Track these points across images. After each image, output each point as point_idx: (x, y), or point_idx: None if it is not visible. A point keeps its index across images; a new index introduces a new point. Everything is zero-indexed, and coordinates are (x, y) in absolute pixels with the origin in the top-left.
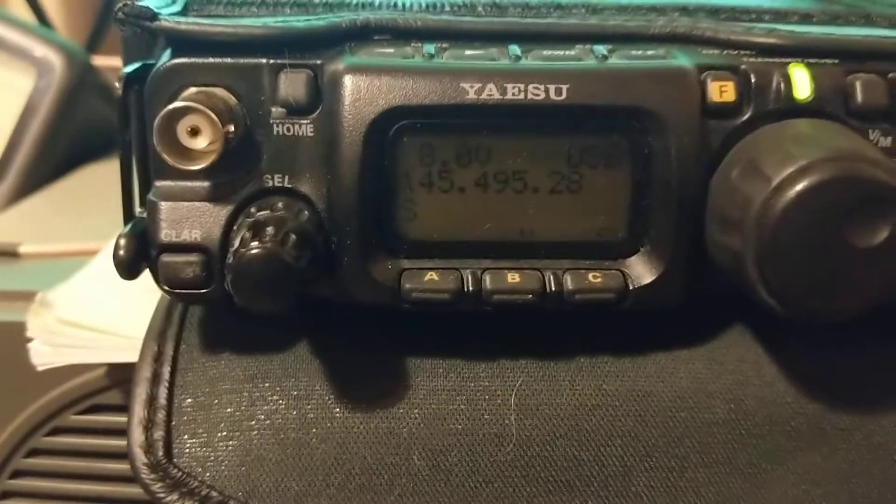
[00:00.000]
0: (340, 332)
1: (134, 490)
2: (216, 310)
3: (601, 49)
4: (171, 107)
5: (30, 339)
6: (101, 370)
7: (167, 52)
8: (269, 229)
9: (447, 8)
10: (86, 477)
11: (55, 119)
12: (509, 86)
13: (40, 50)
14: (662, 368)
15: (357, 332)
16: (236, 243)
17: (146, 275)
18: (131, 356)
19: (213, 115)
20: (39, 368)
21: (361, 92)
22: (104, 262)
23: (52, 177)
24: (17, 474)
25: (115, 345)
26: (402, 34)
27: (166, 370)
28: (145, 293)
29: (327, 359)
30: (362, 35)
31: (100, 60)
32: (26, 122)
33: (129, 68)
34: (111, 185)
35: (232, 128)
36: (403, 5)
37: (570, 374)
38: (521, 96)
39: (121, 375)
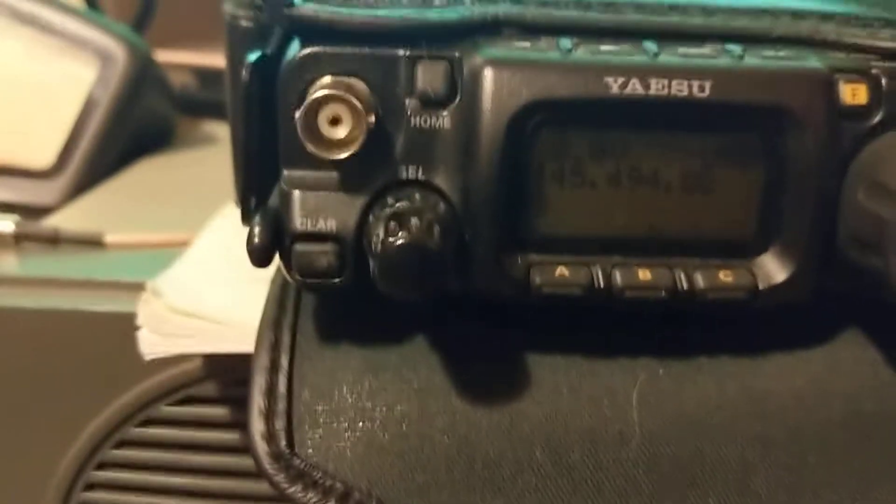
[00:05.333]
0: (456, 325)
1: (223, 483)
2: (332, 300)
3: (735, 48)
4: (318, 94)
5: (137, 328)
6: (197, 361)
7: (296, 42)
8: (414, 220)
9: (565, 2)
10: (175, 469)
11: (117, 112)
12: (653, 81)
13: (103, 41)
14: (781, 368)
15: (473, 324)
16: (380, 233)
17: (246, 263)
18: (240, 346)
19: (358, 105)
20: (147, 357)
21: (503, 85)
22: (202, 251)
23: (110, 170)
24: (103, 466)
25: (224, 334)
26: (529, 29)
27: (284, 359)
28: (248, 282)
29: (446, 351)
30: (491, 29)
31: None
32: (88, 114)
33: (253, 57)
34: (175, 178)
35: (373, 118)
36: None
37: (691, 372)
38: (665, 92)
39: (217, 366)
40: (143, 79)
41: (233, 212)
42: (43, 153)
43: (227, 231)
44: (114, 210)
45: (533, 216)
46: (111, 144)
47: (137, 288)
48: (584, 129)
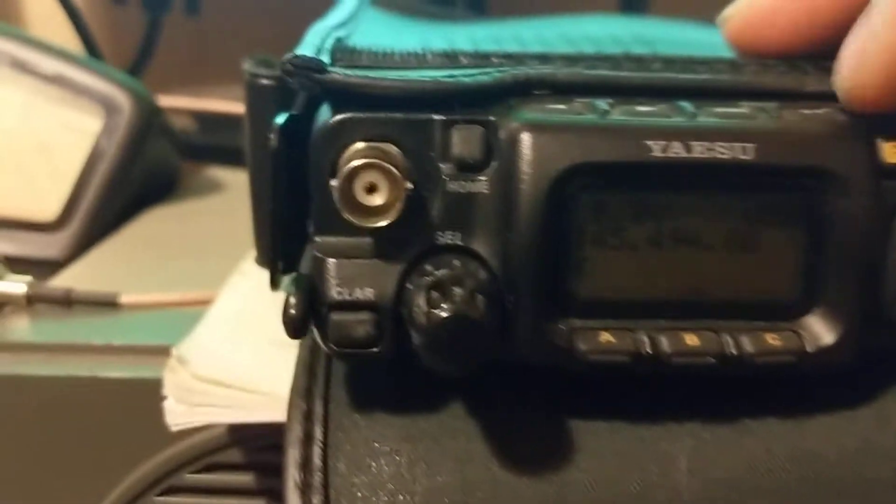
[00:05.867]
0: (496, 390)
1: None
2: (364, 366)
3: (771, 106)
4: (355, 163)
5: (160, 395)
6: (221, 427)
7: (326, 107)
8: (457, 290)
9: (591, 60)
10: None
11: (123, 163)
12: (695, 144)
13: (107, 90)
14: (828, 428)
15: (513, 389)
16: (422, 304)
17: (270, 326)
18: (271, 415)
19: (395, 172)
20: (174, 429)
21: (542, 149)
22: (224, 313)
23: (116, 222)
24: None
25: (254, 403)
26: (561, 89)
27: (318, 430)
28: (273, 345)
29: (486, 418)
30: (524, 90)
31: None
32: (93, 166)
33: (280, 120)
34: (184, 229)
35: (410, 184)
36: (546, 56)
37: (737, 436)
38: (708, 155)
39: (242, 432)
40: (148, 128)
41: (251, 268)
42: (47, 205)
43: (247, 290)
44: (125, 266)
45: (574, 280)
46: (117, 196)
47: (156, 352)
48: (625, 192)
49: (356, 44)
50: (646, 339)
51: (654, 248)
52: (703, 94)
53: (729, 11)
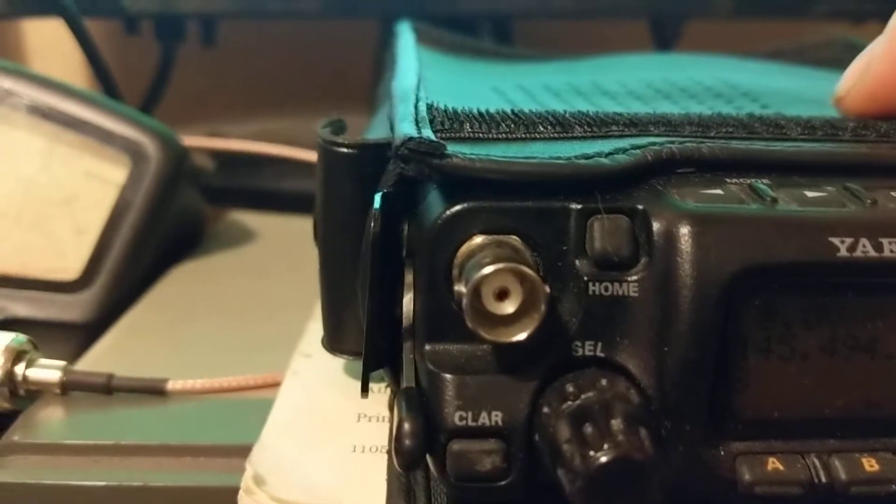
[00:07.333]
0: None
1: None
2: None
3: None
4: (488, 270)
5: None
6: None
7: (436, 192)
8: (615, 423)
9: (720, 126)
10: None
11: (150, 215)
12: (885, 241)
13: (133, 136)
14: None
15: None
16: (570, 438)
17: (347, 426)
18: None
19: (532, 275)
20: None
21: (711, 248)
22: (290, 411)
23: (143, 281)
24: None
25: None
26: (707, 166)
27: None
28: (353, 453)
29: None
30: (666, 168)
31: None
32: (118, 219)
33: (378, 202)
34: (222, 292)
35: (548, 288)
36: (670, 122)
37: None
38: None
39: None
40: (177, 176)
41: (312, 350)
42: (69, 263)
43: (313, 379)
44: (163, 338)
45: (736, 397)
46: (144, 251)
47: (216, 453)
48: (798, 295)
49: (445, 104)
50: (818, 465)
51: (826, 357)
52: (866, 170)
53: (844, 87)
